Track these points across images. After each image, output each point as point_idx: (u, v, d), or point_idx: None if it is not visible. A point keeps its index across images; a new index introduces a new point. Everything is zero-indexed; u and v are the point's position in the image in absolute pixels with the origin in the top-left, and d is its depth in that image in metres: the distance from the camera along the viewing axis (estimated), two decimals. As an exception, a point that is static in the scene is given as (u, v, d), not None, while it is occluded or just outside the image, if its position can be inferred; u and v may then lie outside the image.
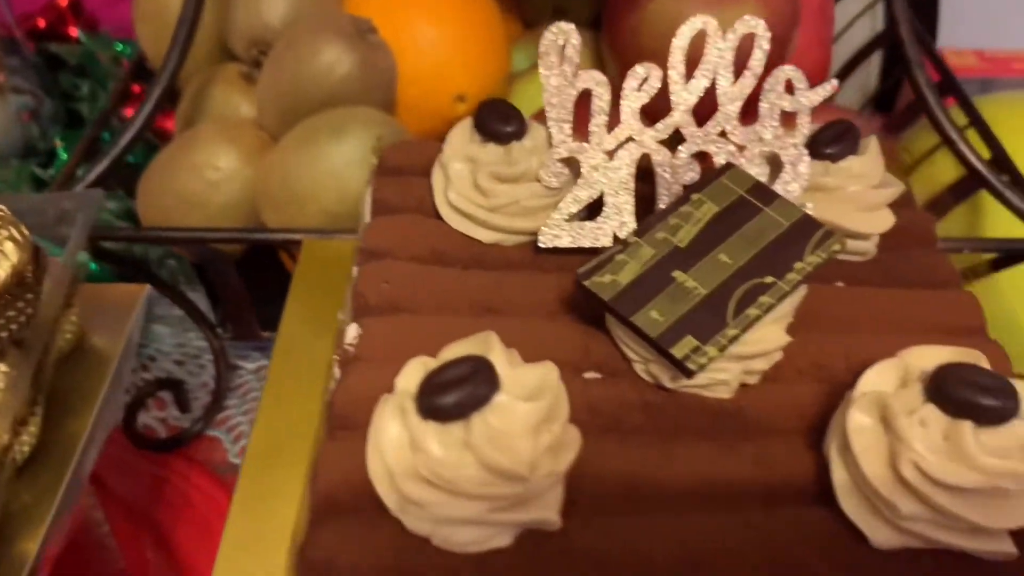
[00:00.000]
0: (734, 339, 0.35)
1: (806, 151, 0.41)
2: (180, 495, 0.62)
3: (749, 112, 0.41)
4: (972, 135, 0.61)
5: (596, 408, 0.36)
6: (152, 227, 0.60)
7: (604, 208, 0.41)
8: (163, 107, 0.60)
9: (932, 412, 0.32)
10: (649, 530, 0.32)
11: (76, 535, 0.44)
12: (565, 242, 0.41)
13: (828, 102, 0.44)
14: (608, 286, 0.36)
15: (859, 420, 0.32)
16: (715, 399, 0.36)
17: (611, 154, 0.41)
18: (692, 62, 0.41)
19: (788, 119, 0.41)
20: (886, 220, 0.42)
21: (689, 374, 0.35)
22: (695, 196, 0.39)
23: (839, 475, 0.33)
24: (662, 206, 0.42)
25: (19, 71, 0.77)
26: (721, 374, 0.36)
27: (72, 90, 0.80)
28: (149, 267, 0.71)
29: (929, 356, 0.34)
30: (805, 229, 0.38)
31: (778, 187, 0.41)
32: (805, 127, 0.41)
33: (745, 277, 0.36)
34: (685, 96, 0.41)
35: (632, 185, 0.41)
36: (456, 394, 0.30)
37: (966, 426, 0.31)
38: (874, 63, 0.79)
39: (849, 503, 0.32)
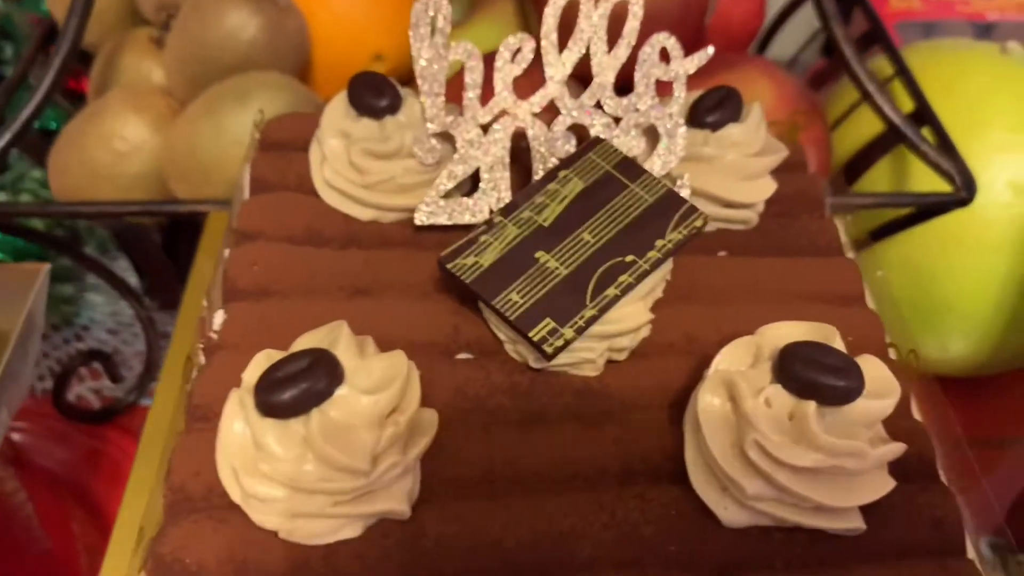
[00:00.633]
0: (592, 320, 0.35)
1: (683, 121, 0.40)
2: (114, 465, 0.63)
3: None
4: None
5: (462, 391, 0.36)
6: (59, 201, 0.59)
7: (480, 184, 0.41)
8: (75, 72, 0.58)
9: (778, 392, 0.32)
10: (502, 514, 0.32)
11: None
12: (442, 220, 0.41)
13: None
14: (470, 268, 0.36)
15: (708, 400, 0.32)
16: (582, 377, 0.36)
17: (486, 128, 0.41)
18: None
19: (665, 87, 0.41)
20: (767, 188, 0.42)
21: (547, 357, 0.35)
22: (562, 172, 0.38)
23: (691, 453, 0.33)
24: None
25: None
26: (586, 353, 0.36)
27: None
28: (79, 237, 0.70)
29: (783, 333, 0.33)
30: (669, 205, 0.37)
31: (655, 159, 0.40)
32: (681, 96, 0.40)
33: (606, 256, 0.36)
34: (560, 67, 0.40)
35: (508, 160, 0.41)
36: (293, 390, 0.30)
37: (810, 406, 0.31)
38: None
39: (699, 481, 0.33)
